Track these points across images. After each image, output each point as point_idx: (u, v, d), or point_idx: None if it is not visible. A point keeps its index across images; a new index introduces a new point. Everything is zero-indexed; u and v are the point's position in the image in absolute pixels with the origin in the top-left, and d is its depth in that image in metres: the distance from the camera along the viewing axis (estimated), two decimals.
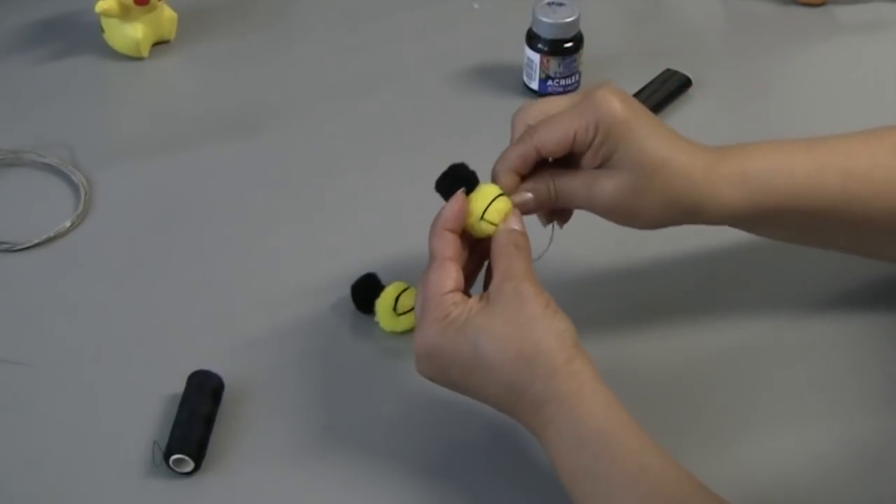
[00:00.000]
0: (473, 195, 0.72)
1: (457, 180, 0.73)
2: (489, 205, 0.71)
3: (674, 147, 0.71)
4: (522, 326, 0.67)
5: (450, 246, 0.71)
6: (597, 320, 0.80)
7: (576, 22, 0.96)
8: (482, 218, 0.71)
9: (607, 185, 0.71)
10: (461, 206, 0.71)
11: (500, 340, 0.67)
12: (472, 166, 0.74)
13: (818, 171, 0.73)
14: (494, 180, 0.73)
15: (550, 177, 0.73)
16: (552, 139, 0.71)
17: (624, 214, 0.72)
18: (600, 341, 0.76)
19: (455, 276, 0.70)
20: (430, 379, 0.71)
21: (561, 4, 0.96)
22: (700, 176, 0.71)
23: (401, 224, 0.87)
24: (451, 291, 0.69)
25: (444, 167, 0.74)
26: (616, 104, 0.70)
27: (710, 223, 0.74)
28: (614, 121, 0.70)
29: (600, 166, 0.71)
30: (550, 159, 0.73)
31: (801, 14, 1.10)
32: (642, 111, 0.72)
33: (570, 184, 0.72)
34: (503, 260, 0.70)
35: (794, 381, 0.78)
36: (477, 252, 0.73)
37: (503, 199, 0.72)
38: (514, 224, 0.71)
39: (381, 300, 0.80)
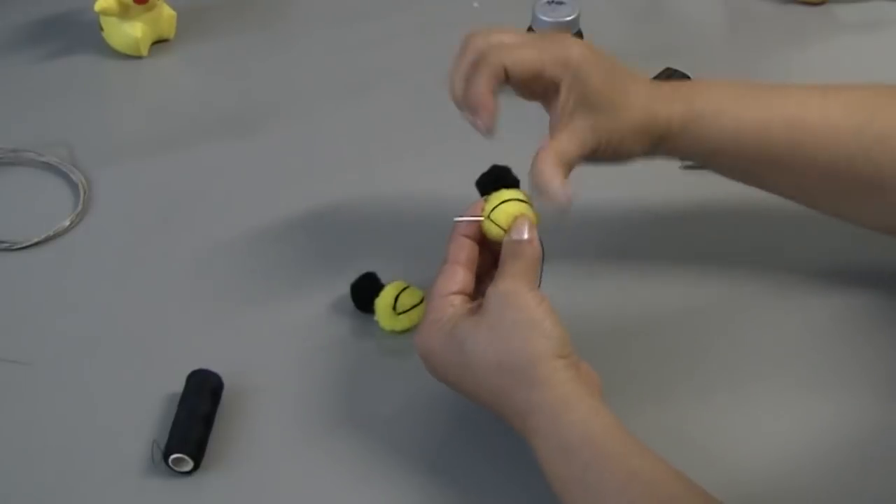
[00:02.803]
0: (491, 196, 0.72)
1: (494, 180, 0.73)
2: (496, 206, 0.71)
3: (633, 77, 0.74)
4: (504, 333, 0.67)
5: (462, 250, 0.71)
6: (583, 308, 0.80)
7: (576, 20, 0.96)
8: (488, 217, 0.71)
9: (586, 125, 0.71)
10: (476, 213, 0.71)
11: (483, 347, 0.67)
12: (474, 164, 0.73)
13: (766, 119, 0.74)
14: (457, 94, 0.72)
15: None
16: (524, 60, 0.71)
17: (608, 148, 0.73)
18: (589, 333, 0.76)
19: (461, 280, 0.70)
20: (437, 379, 0.71)
21: (561, 3, 0.96)
22: (654, 105, 0.73)
23: (401, 223, 0.87)
24: (453, 294, 0.70)
25: (443, 166, 0.74)
26: (576, 45, 0.72)
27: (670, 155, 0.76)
28: (581, 60, 0.71)
29: (572, 113, 0.71)
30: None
31: (801, 13, 1.10)
32: (599, 51, 0.73)
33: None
34: (500, 267, 0.70)
35: (782, 368, 0.79)
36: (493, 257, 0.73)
37: (516, 203, 0.71)
38: (521, 233, 0.70)
39: (380, 299, 0.80)
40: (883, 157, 0.73)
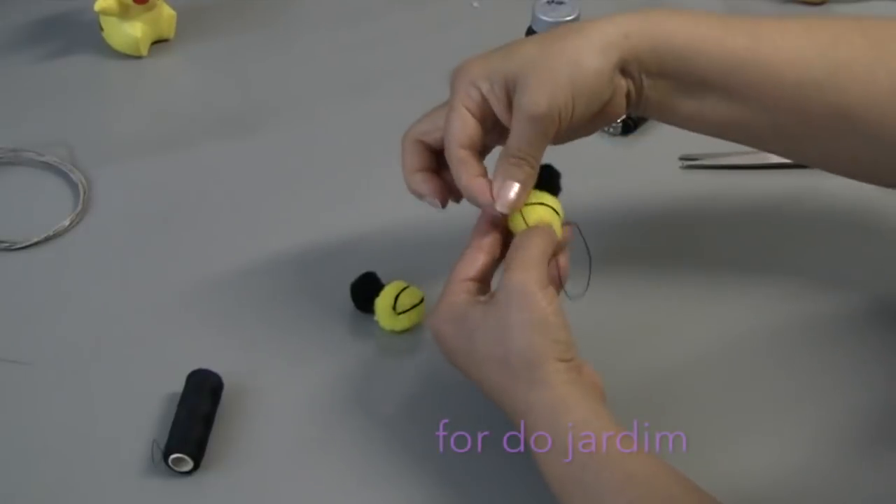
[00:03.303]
0: (530, 192, 0.71)
1: (539, 179, 0.71)
2: (530, 203, 0.71)
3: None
4: (510, 331, 0.66)
5: (486, 238, 0.71)
6: (581, 308, 0.80)
7: (576, 21, 0.96)
8: (518, 210, 0.70)
9: (530, 96, 0.68)
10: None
11: (489, 341, 0.67)
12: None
13: (724, 27, 0.71)
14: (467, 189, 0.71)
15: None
16: (424, 120, 0.72)
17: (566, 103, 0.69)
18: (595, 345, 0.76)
19: (479, 266, 0.70)
20: (447, 360, 0.71)
21: (561, 3, 0.96)
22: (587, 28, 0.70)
23: (401, 223, 0.87)
24: (470, 279, 0.70)
25: None
26: (471, 60, 0.71)
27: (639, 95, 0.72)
28: (481, 70, 0.70)
29: (511, 108, 0.69)
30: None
31: (801, 13, 1.09)
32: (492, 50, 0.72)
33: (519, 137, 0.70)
34: (509, 253, 0.69)
35: (784, 369, 0.79)
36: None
37: (549, 211, 0.71)
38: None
39: (380, 299, 0.79)
40: (850, 84, 0.70)
